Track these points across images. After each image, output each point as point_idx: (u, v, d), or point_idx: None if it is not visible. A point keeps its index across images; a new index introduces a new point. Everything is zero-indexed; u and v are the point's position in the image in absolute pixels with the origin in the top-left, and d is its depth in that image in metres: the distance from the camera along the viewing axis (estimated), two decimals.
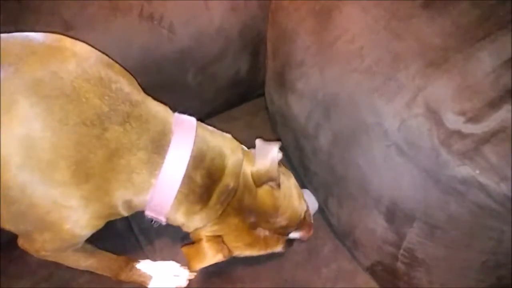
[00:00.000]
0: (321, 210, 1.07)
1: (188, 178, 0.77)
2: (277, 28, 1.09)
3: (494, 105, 0.69)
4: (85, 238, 0.80)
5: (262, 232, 0.86)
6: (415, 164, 0.77)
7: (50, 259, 0.85)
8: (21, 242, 0.83)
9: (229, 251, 0.85)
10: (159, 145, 0.75)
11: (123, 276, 0.93)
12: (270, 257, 0.99)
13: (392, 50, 0.80)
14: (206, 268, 0.96)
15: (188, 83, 1.18)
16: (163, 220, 0.83)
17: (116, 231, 1.02)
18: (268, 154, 0.84)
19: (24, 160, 0.66)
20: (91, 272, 0.92)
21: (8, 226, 0.74)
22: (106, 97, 0.71)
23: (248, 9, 1.18)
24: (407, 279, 0.89)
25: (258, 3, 1.19)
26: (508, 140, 0.67)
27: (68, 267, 0.91)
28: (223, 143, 0.83)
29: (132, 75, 0.82)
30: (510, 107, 0.68)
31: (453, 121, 0.71)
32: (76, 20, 1.01)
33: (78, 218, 0.73)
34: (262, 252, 0.90)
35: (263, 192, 0.84)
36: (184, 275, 0.95)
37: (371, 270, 0.97)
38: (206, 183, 0.78)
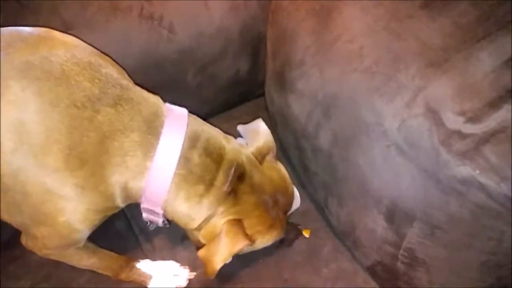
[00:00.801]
0: (321, 210, 1.07)
1: (184, 159, 0.75)
2: (277, 28, 1.09)
3: (494, 105, 0.69)
4: (84, 236, 0.79)
5: (276, 212, 0.84)
6: (415, 164, 0.77)
7: (53, 257, 0.85)
8: (24, 240, 0.83)
9: (252, 239, 0.81)
10: (152, 126, 0.74)
11: (123, 276, 0.93)
12: (270, 257, 0.99)
13: (392, 50, 0.80)
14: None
15: (188, 83, 1.18)
16: (159, 214, 0.79)
17: (116, 231, 1.02)
18: (259, 129, 0.86)
19: (17, 145, 0.66)
20: (91, 272, 0.92)
21: (6, 217, 0.74)
22: (96, 80, 0.71)
23: (248, 9, 1.18)
24: (407, 279, 0.89)
25: (258, 3, 1.19)
26: (508, 140, 0.67)
27: (67, 267, 0.91)
28: (214, 129, 0.83)
29: (129, 75, 0.82)
30: (510, 107, 0.68)
31: (453, 121, 0.71)
32: (76, 20, 1.01)
33: (74, 210, 0.72)
34: (278, 237, 0.87)
35: (267, 168, 0.84)
36: (183, 274, 0.95)
37: (371, 270, 0.97)
38: (205, 162, 0.76)
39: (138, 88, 0.77)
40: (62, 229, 0.74)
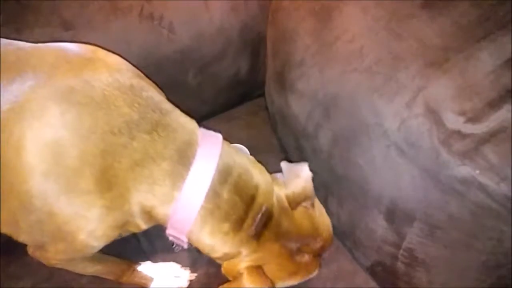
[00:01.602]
0: None
1: (213, 192, 0.73)
2: (277, 28, 1.09)
3: (494, 105, 0.69)
4: (97, 250, 0.78)
5: (303, 257, 0.82)
6: (415, 164, 0.77)
7: (59, 266, 0.84)
8: (31, 250, 0.82)
9: (272, 283, 0.80)
10: (184, 156, 0.72)
11: (125, 279, 0.93)
12: None
13: (392, 50, 0.80)
14: (207, 269, 0.96)
15: (188, 83, 1.18)
16: (184, 240, 0.78)
17: None
18: (301, 173, 0.82)
19: (50, 167, 0.65)
20: None
21: (23, 237, 0.73)
22: (136, 105, 0.70)
23: (248, 9, 1.18)
24: (407, 279, 0.89)
25: (258, 3, 1.19)
26: (508, 140, 0.67)
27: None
28: (249, 162, 0.80)
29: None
30: (510, 107, 0.68)
31: (453, 121, 0.71)
32: (76, 20, 1.01)
33: (95, 229, 0.72)
34: (303, 280, 0.85)
35: (299, 214, 0.81)
36: (184, 276, 0.95)
37: (371, 270, 0.97)
38: (234, 200, 0.75)
39: (177, 113, 0.76)
40: (79, 245, 0.73)
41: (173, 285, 0.94)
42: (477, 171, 0.68)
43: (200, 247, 0.79)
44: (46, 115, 0.65)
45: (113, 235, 0.75)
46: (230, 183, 0.75)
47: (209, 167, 0.73)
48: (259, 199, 0.77)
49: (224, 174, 0.75)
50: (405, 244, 0.84)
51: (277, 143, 1.21)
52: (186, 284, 0.95)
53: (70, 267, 0.86)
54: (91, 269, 0.88)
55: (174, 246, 0.83)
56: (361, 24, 0.86)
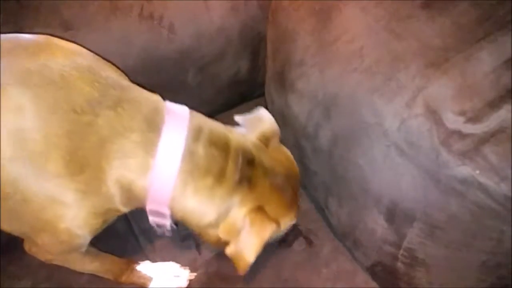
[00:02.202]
0: (321, 210, 1.07)
1: (188, 153, 0.73)
2: (277, 28, 1.09)
3: (494, 105, 0.69)
4: (85, 241, 0.78)
5: (289, 192, 0.82)
6: (415, 164, 0.77)
7: (57, 263, 0.84)
8: (27, 247, 0.82)
9: (277, 221, 0.77)
10: (153, 123, 0.72)
11: (124, 278, 0.93)
12: (270, 257, 0.99)
13: (392, 50, 0.80)
14: (207, 268, 0.96)
15: (188, 83, 1.18)
16: (166, 215, 0.76)
17: (116, 232, 1.02)
18: (260, 116, 0.86)
19: (15, 152, 0.65)
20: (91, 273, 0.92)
21: (5, 226, 0.74)
22: (96, 83, 0.70)
23: (248, 9, 1.18)
24: (407, 279, 0.89)
25: (258, 3, 1.19)
26: (508, 140, 0.67)
27: (68, 268, 0.91)
28: (215, 122, 0.81)
29: (129, 75, 0.82)
30: (510, 107, 0.68)
31: (453, 121, 0.71)
32: (76, 20, 1.01)
33: (74, 216, 0.71)
34: (296, 218, 0.84)
35: (274, 151, 0.83)
36: (184, 275, 0.95)
37: (371, 270, 0.97)
38: (210, 153, 0.74)
39: (138, 88, 0.77)
40: (63, 235, 0.73)
41: (172, 285, 0.94)
42: (477, 171, 0.68)
43: (186, 217, 0.77)
44: (5, 100, 0.65)
45: (95, 223, 0.74)
46: (203, 138, 0.75)
47: (180, 128, 0.73)
48: (234, 145, 0.77)
49: (196, 132, 0.75)
50: (405, 244, 0.84)
51: None
52: (186, 283, 0.95)
53: (67, 264, 0.86)
54: (89, 266, 0.88)
55: (156, 229, 0.81)
56: (361, 24, 0.86)
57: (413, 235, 0.82)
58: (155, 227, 0.82)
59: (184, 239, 1.01)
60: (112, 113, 0.70)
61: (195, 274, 0.96)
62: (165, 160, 0.71)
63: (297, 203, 0.86)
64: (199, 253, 1.00)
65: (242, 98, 1.34)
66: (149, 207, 0.76)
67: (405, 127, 0.77)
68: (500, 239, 0.73)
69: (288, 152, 0.88)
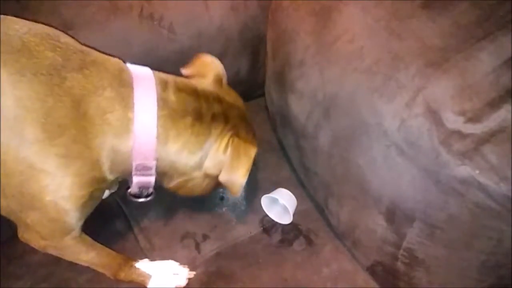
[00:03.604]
0: (321, 210, 1.07)
1: (162, 101, 0.77)
2: (277, 28, 1.09)
3: (494, 105, 0.69)
4: (75, 218, 0.77)
5: (249, 122, 0.92)
6: (415, 164, 0.77)
7: (52, 251, 0.84)
8: (20, 234, 0.82)
9: (252, 142, 0.86)
10: (122, 79, 0.76)
11: (123, 275, 0.93)
12: (270, 257, 0.99)
13: (392, 50, 0.80)
14: (206, 267, 0.96)
15: None
16: (152, 169, 0.79)
17: (115, 230, 1.02)
18: (205, 61, 0.92)
19: None
20: (91, 271, 0.92)
21: None
22: (58, 49, 0.72)
23: (248, 9, 1.18)
24: (407, 279, 0.89)
25: (258, 3, 1.19)
26: (508, 140, 0.67)
27: (67, 267, 0.91)
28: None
29: None
30: (510, 107, 0.68)
31: (453, 121, 0.71)
32: (76, 20, 1.01)
33: (58, 186, 0.71)
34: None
35: (227, 90, 0.92)
36: (183, 273, 0.95)
37: (371, 270, 0.97)
38: (181, 96, 0.80)
39: (97, 52, 0.79)
40: (50, 211, 0.73)
41: (171, 284, 0.94)
42: (477, 171, 0.68)
43: (173, 164, 0.81)
44: None
45: (82, 195, 0.74)
46: (171, 86, 0.80)
47: (148, 81, 0.78)
48: (200, 89, 0.84)
49: (163, 83, 0.80)
50: (405, 244, 0.84)
51: (277, 143, 1.21)
52: (185, 282, 0.95)
53: (62, 253, 0.85)
54: (85, 256, 0.88)
55: (139, 195, 0.85)
56: (361, 24, 0.86)
57: (413, 235, 0.82)
58: (139, 192, 0.85)
59: (184, 237, 1.01)
60: (79, 75, 0.72)
61: (194, 272, 0.96)
62: (143, 110, 0.75)
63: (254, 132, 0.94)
64: (199, 252, 1.00)
65: (242, 98, 1.34)
66: (135, 162, 0.78)
67: (405, 127, 0.77)
68: (500, 239, 0.73)
69: (232, 90, 0.95)
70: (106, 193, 1.07)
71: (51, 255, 0.87)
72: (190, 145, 0.80)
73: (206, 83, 0.88)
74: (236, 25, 1.18)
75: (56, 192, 0.71)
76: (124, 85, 0.75)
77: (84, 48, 0.77)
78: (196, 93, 0.82)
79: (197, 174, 0.84)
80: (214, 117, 0.82)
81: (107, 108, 0.72)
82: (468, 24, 0.75)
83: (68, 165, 0.70)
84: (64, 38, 0.75)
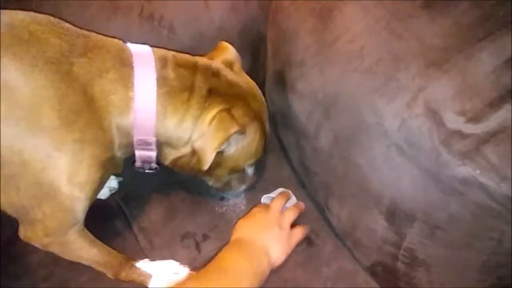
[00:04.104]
0: (321, 210, 1.07)
1: (161, 78, 0.79)
2: (277, 28, 1.09)
3: (494, 105, 0.69)
4: (83, 208, 0.79)
5: (256, 108, 0.90)
6: (415, 164, 0.77)
7: (54, 248, 0.84)
8: (23, 232, 0.82)
9: (243, 125, 0.84)
10: (123, 59, 0.78)
11: (123, 275, 0.93)
12: None
13: (393, 50, 0.80)
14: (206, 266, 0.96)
15: None
16: (153, 144, 0.81)
17: (115, 230, 1.03)
18: (220, 46, 0.93)
19: (7, 112, 0.67)
20: (91, 272, 0.92)
21: (5, 200, 0.74)
22: (62, 35, 0.74)
23: (248, 9, 1.18)
24: (408, 279, 0.89)
25: (258, 3, 1.19)
26: (508, 140, 0.67)
27: (67, 267, 0.91)
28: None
29: None
30: (510, 107, 0.68)
31: (454, 121, 0.71)
32: (76, 20, 1.00)
33: (75, 171, 0.73)
34: (263, 134, 0.93)
35: (237, 73, 0.91)
36: (183, 273, 0.95)
37: (372, 270, 0.97)
38: (180, 72, 0.81)
39: (96, 34, 0.81)
40: (65, 199, 0.74)
41: (172, 284, 0.94)
42: (478, 171, 0.68)
43: (171, 139, 0.82)
44: None
45: (97, 178, 0.77)
46: (170, 63, 0.82)
47: (148, 59, 0.80)
48: (201, 63, 0.85)
49: (162, 59, 0.81)
50: (405, 244, 0.84)
51: (277, 143, 1.21)
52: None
53: (64, 248, 0.85)
54: (86, 253, 0.88)
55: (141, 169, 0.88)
56: (361, 24, 0.86)
57: (413, 235, 0.82)
58: (142, 166, 0.87)
59: (184, 237, 1.01)
60: (84, 59, 0.74)
61: (194, 272, 0.96)
62: (143, 89, 0.78)
63: (266, 132, 0.93)
64: (199, 252, 1.00)
65: None
66: (136, 137, 0.80)
67: (405, 127, 0.77)
68: (500, 239, 0.73)
69: (250, 79, 0.95)
70: (106, 193, 1.07)
71: (51, 255, 0.87)
72: (185, 120, 0.81)
73: (211, 61, 0.88)
74: (236, 25, 1.18)
75: (73, 178, 0.73)
76: (125, 64, 0.78)
77: (85, 32, 0.79)
78: (195, 67, 0.83)
79: (187, 149, 0.84)
80: (210, 92, 0.82)
81: (111, 90, 0.76)
82: (468, 24, 0.75)
83: (84, 149, 0.73)
84: (65, 24, 0.78)
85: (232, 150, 0.87)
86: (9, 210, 0.77)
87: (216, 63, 0.88)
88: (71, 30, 0.77)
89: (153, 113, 0.79)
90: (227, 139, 0.81)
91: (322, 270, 0.98)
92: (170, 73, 0.81)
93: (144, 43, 1.07)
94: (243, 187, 1.04)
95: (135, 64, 0.78)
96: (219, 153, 0.84)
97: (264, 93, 1.26)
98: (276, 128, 1.20)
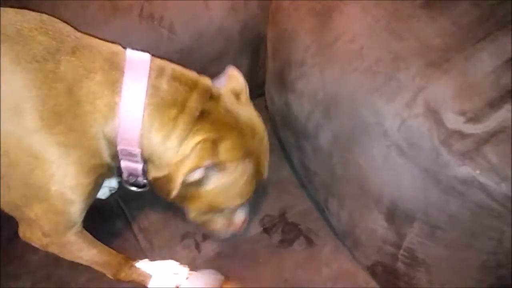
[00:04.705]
0: (321, 210, 1.07)
1: (153, 88, 0.73)
2: (277, 28, 1.09)
3: (494, 105, 0.69)
4: (79, 210, 0.77)
5: (252, 145, 0.81)
6: (415, 164, 0.77)
7: (54, 249, 0.84)
8: (22, 232, 0.82)
9: (224, 161, 0.76)
10: (114, 62, 0.73)
11: (123, 275, 0.92)
12: (270, 257, 0.99)
13: (392, 50, 0.80)
14: (206, 267, 0.96)
15: None
16: (138, 156, 0.75)
17: (115, 230, 1.02)
18: (229, 74, 0.86)
19: None
20: (91, 272, 0.92)
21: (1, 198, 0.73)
22: (51, 33, 0.72)
23: (248, 9, 1.18)
24: (407, 279, 0.89)
25: (258, 3, 1.19)
26: (508, 140, 0.67)
27: (67, 267, 0.91)
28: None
29: None
30: (510, 107, 0.68)
31: (454, 121, 0.71)
32: (76, 20, 1.00)
33: (64, 175, 0.71)
34: (254, 176, 0.82)
35: (241, 104, 0.83)
36: (183, 273, 0.95)
37: (372, 270, 0.97)
38: (174, 86, 0.75)
39: (94, 38, 0.78)
40: (56, 201, 0.73)
41: (172, 284, 0.94)
42: (478, 171, 0.68)
43: (154, 154, 0.75)
44: None
45: (87, 183, 0.74)
46: (167, 75, 0.76)
47: (142, 66, 0.74)
48: (202, 83, 0.77)
49: (159, 70, 0.75)
50: (405, 244, 0.84)
51: (277, 143, 1.21)
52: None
53: (64, 250, 0.85)
54: (86, 253, 0.87)
55: (130, 183, 0.82)
56: (361, 24, 0.86)
57: (413, 235, 0.82)
58: (128, 179, 0.81)
59: (184, 237, 1.01)
60: (72, 58, 0.71)
61: (194, 272, 0.96)
62: (131, 95, 0.72)
63: (263, 167, 0.84)
64: (199, 252, 1.00)
65: None
66: (119, 147, 0.75)
67: (405, 127, 0.77)
68: (500, 239, 0.73)
69: (255, 113, 0.86)
70: (106, 193, 1.07)
71: (51, 255, 0.87)
72: (170, 138, 0.74)
73: (215, 85, 0.82)
74: (236, 25, 1.18)
75: (62, 181, 0.71)
76: (116, 68, 0.73)
77: (79, 34, 0.76)
78: (194, 85, 0.76)
79: (165, 171, 0.76)
80: (203, 115, 0.75)
81: (97, 94, 0.71)
82: (468, 24, 0.75)
83: (69, 153, 0.71)
84: (58, 24, 0.75)
85: (210, 184, 0.78)
86: (6, 208, 0.77)
87: (221, 88, 0.82)
88: (63, 30, 0.74)
89: (139, 122, 0.72)
90: (196, 168, 0.73)
91: (322, 270, 0.98)
92: (164, 85, 0.74)
93: (144, 43, 1.08)
94: (225, 232, 0.92)
95: (126, 69, 0.73)
96: (196, 185, 0.77)
97: (264, 93, 1.26)
98: (276, 128, 1.20)
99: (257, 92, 1.32)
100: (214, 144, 0.74)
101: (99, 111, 0.72)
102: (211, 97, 0.78)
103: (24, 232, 0.81)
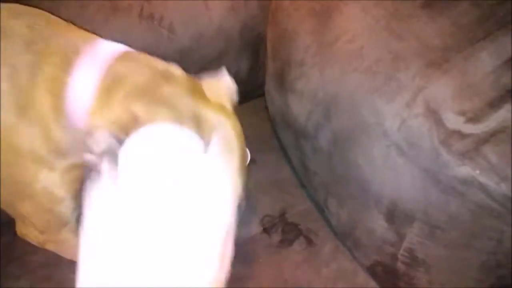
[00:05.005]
0: (321, 210, 1.07)
1: (110, 72, 0.67)
2: (277, 28, 1.09)
3: (494, 105, 0.69)
4: (68, 207, 0.75)
5: None
6: (415, 164, 0.77)
7: (50, 246, 0.84)
8: (18, 229, 0.82)
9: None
10: (76, 45, 0.69)
11: None
12: (270, 257, 0.99)
13: (392, 50, 0.80)
14: None
15: None
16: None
17: None
18: (219, 79, 0.82)
19: None
20: None
21: None
22: (36, 26, 0.70)
23: (248, 9, 1.18)
24: (407, 279, 0.89)
25: (258, 3, 1.19)
26: (508, 140, 0.67)
27: (67, 267, 0.90)
28: None
29: None
30: (510, 107, 0.68)
31: (453, 121, 0.71)
32: (76, 20, 1.00)
33: (46, 172, 0.68)
34: None
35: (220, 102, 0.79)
36: None
37: (371, 270, 0.97)
38: (131, 68, 0.68)
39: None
40: (43, 199, 0.71)
41: None
42: (477, 171, 0.68)
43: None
44: None
45: (71, 179, 0.70)
46: (131, 59, 0.72)
47: (106, 49, 0.71)
48: (173, 71, 0.74)
49: (125, 54, 0.72)
50: (405, 244, 0.84)
51: (277, 143, 1.21)
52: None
53: (62, 247, 0.84)
54: None
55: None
56: (361, 24, 0.86)
57: (413, 235, 0.82)
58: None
59: None
60: (43, 45, 0.68)
61: None
62: (81, 76, 0.66)
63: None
64: None
65: (242, 98, 1.33)
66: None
67: (405, 127, 0.77)
68: (500, 239, 0.73)
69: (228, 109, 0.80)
70: None
71: (51, 255, 0.87)
72: (116, 125, 0.66)
73: (176, 68, 0.75)
74: (236, 25, 1.18)
75: (46, 178, 0.69)
76: (74, 51, 0.68)
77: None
78: (155, 71, 0.70)
79: None
80: (161, 98, 0.67)
81: (52, 76, 0.67)
82: (468, 24, 0.75)
83: (41, 149, 0.68)
84: (47, 16, 0.75)
85: None
86: (3, 205, 0.76)
87: (180, 71, 0.75)
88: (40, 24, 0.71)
89: (86, 106, 0.65)
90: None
91: (322, 270, 0.98)
92: (122, 68, 0.68)
93: (143, 43, 1.08)
94: None
95: (85, 52, 0.68)
96: None
97: (264, 93, 1.26)
98: (276, 128, 1.20)
99: (257, 92, 1.32)
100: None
101: (54, 94, 0.67)
102: (179, 82, 0.73)
103: (20, 229, 0.81)
